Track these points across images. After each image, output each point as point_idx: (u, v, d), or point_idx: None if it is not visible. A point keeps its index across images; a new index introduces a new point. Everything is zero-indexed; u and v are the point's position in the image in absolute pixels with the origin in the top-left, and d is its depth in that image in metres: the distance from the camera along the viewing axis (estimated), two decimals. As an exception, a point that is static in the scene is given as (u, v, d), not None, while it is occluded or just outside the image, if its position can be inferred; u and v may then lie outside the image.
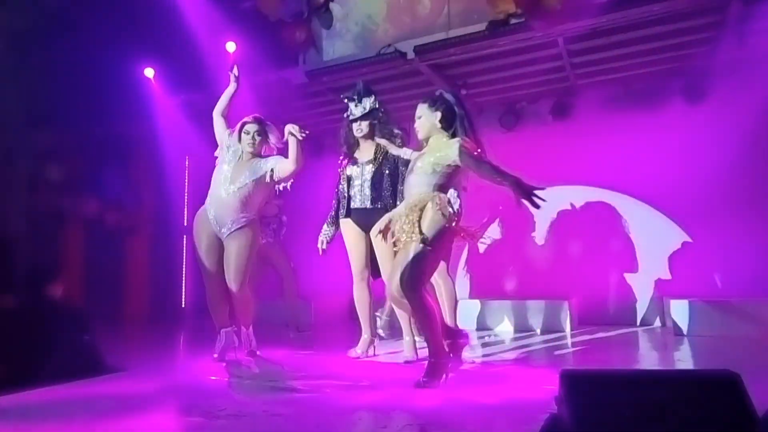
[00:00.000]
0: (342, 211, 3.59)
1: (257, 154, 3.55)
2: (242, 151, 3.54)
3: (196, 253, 3.56)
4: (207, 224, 3.48)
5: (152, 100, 6.10)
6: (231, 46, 5.64)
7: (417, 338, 3.53)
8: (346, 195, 3.56)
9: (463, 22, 5.23)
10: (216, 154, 3.66)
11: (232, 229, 3.42)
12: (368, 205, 3.48)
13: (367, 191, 3.46)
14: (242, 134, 3.54)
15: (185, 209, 7.30)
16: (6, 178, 6.71)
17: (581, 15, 4.44)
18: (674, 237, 5.40)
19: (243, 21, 5.65)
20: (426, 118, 2.85)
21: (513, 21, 4.74)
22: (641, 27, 4.54)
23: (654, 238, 5.47)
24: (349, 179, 3.56)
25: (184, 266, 7.23)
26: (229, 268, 3.39)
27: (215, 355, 3.61)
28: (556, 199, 5.54)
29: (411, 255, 2.61)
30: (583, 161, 5.66)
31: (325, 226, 3.65)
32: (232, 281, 3.38)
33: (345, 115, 3.57)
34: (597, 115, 5.72)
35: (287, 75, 5.71)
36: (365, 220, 3.47)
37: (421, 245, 2.61)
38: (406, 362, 3.34)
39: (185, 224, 7.26)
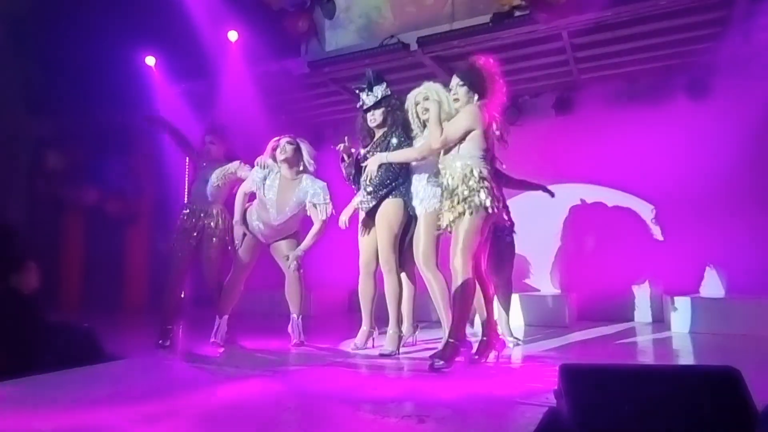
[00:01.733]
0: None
1: (294, 167, 3.75)
2: (280, 173, 3.74)
3: (230, 244, 3.88)
4: (251, 227, 3.82)
5: (153, 88, 6.07)
6: (233, 35, 5.63)
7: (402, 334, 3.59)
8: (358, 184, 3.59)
9: (468, 13, 5.20)
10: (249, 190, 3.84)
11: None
12: (373, 202, 3.48)
13: (377, 182, 3.42)
14: (277, 153, 3.74)
15: (185, 198, 7.28)
16: (5, 166, 6.69)
17: (586, 8, 4.42)
18: (676, 233, 5.39)
19: (245, 10, 5.63)
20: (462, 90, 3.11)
21: (517, 13, 4.72)
22: (646, 22, 4.51)
23: (656, 234, 5.47)
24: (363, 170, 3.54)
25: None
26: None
27: (213, 340, 3.77)
28: (558, 195, 5.52)
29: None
30: (585, 157, 5.64)
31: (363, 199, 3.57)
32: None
33: (358, 105, 3.56)
34: (600, 111, 5.70)
35: (289, 65, 5.69)
36: (373, 211, 3.50)
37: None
38: (381, 355, 3.36)
39: (185, 214, 7.25)
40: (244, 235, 3.84)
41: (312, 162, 3.78)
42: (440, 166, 3.17)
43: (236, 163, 3.97)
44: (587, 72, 5.53)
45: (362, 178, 3.49)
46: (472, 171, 2.96)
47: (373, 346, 3.64)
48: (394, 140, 3.41)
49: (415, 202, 3.43)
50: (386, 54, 5.19)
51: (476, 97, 3.09)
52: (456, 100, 3.15)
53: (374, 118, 3.47)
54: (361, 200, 3.56)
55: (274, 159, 3.77)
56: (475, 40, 4.87)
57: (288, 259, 3.74)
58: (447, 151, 3.11)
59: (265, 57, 5.62)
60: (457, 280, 2.87)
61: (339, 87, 5.87)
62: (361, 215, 3.61)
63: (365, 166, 3.44)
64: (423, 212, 3.40)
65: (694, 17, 4.46)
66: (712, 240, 5.15)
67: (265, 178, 3.75)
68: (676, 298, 4.61)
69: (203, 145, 4.12)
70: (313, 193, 3.71)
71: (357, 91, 3.54)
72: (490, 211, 2.90)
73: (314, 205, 3.71)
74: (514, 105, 5.95)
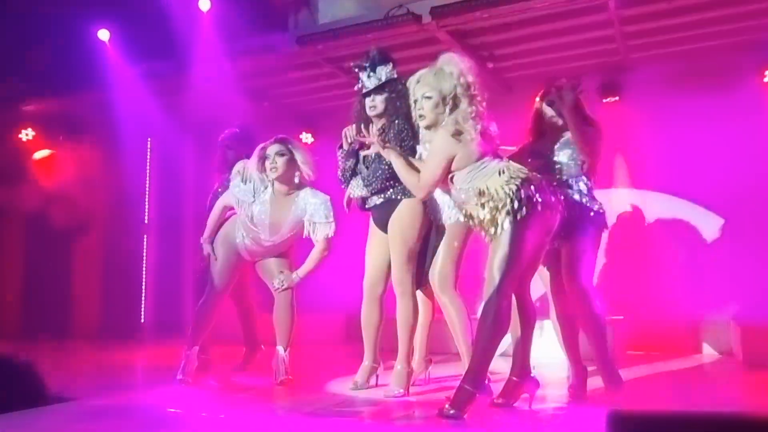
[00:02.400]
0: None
1: (289, 181, 3.79)
2: (272, 188, 3.81)
3: (210, 263, 3.94)
4: (234, 243, 3.87)
5: (107, 68, 6.09)
6: (205, 4, 5.65)
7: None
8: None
9: (493, -23, 5.21)
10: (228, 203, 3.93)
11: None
12: (380, 200, 3.47)
13: (377, 182, 3.40)
14: (265, 160, 3.77)
15: (146, 202, 7.31)
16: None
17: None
18: (747, 250, 5.37)
19: (220, -27, 5.66)
20: None
21: (553, -22, 4.74)
22: (711, -11, 4.54)
23: (722, 250, 5.45)
24: (357, 168, 3.54)
25: (144, 273, 7.23)
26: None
27: (180, 377, 3.75)
28: (599, 200, 5.52)
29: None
30: (635, 152, 5.64)
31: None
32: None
33: (356, 87, 3.54)
34: (653, 97, 5.68)
35: (274, 41, 5.71)
36: (381, 217, 3.49)
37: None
38: (387, 397, 3.37)
39: (146, 221, 7.27)
40: (208, 255, 3.93)
41: (310, 172, 3.79)
42: None
43: (239, 164, 3.95)
44: (638, 50, 5.53)
45: (363, 168, 3.47)
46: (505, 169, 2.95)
47: (376, 385, 3.63)
48: (392, 133, 3.36)
49: (443, 208, 3.40)
50: (393, 27, 5.19)
51: (447, 111, 3.06)
52: (421, 117, 3.14)
53: (374, 104, 3.43)
54: (360, 192, 3.52)
55: (262, 171, 3.79)
56: (502, 11, 4.88)
57: (277, 279, 3.79)
58: None
59: (244, 31, 5.63)
60: (490, 304, 2.82)
61: (335, 68, 5.87)
62: (371, 222, 3.60)
63: (366, 156, 3.43)
64: (446, 221, 3.40)
65: (770, -17, 4.48)
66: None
67: (252, 196, 3.78)
68: (748, 328, 4.59)
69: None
70: (313, 210, 3.75)
71: (356, 70, 3.50)
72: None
73: (314, 224, 3.75)
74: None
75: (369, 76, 3.44)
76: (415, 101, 3.15)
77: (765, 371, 4.30)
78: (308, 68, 5.97)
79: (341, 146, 3.61)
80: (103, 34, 5.99)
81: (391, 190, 3.40)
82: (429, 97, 3.07)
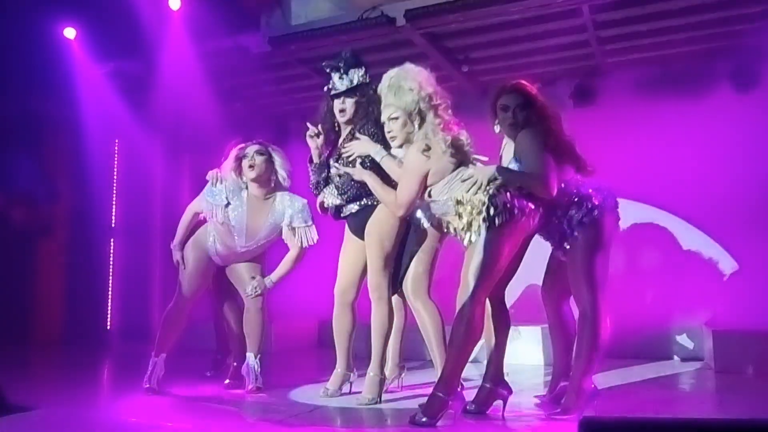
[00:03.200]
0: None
1: (265, 183, 3.78)
2: (248, 192, 3.78)
3: (182, 265, 3.87)
4: (204, 247, 3.84)
5: (73, 67, 6.02)
6: (175, 3, 5.60)
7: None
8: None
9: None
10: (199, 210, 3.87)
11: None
12: (355, 208, 3.45)
13: (352, 189, 3.38)
14: (242, 159, 3.75)
15: (113, 205, 7.23)
16: None
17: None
18: (717, 255, 5.48)
19: (191, -30, 5.61)
20: None
21: (529, -17, 4.78)
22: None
23: (692, 256, 5.55)
24: (329, 177, 3.50)
25: (110, 278, 7.15)
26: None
27: (147, 385, 3.72)
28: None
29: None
30: (607, 158, 5.63)
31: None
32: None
33: (326, 88, 3.54)
34: (627, 102, 5.77)
35: (245, 41, 5.68)
36: (357, 224, 3.48)
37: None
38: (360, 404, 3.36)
39: (113, 224, 7.19)
40: (178, 263, 3.89)
41: (287, 178, 3.81)
42: None
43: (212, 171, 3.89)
44: (612, 55, 5.61)
45: (336, 173, 3.43)
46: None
47: (350, 392, 3.63)
48: (363, 138, 3.34)
49: (420, 211, 3.40)
50: (367, 29, 5.20)
51: (416, 127, 3.12)
52: (392, 138, 3.18)
53: (344, 107, 3.44)
54: (334, 201, 3.49)
55: (238, 174, 3.77)
56: (477, 15, 4.91)
57: (249, 285, 3.78)
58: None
59: (215, 30, 5.58)
60: (463, 310, 2.83)
61: (308, 69, 5.87)
62: (347, 229, 3.60)
63: (344, 158, 3.38)
64: (424, 224, 3.42)
65: (742, -9, 4.57)
66: (763, 263, 5.24)
67: (226, 200, 3.75)
68: (719, 333, 4.67)
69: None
70: (292, 214, 3.76)
71: (328, 70, 3.50)
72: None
73: (293, 230, 3.74)
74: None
75: (341, 78, 3.44)
76: (383, 124, 3.20)
77: (737, 376, 4.38)
78: (281, 69, 5.97)
79: (311, 160, 3.58)
80: (69, 32, 5.90)
81: (366, 197, 3.39)
82: (396, 118, 3.14)
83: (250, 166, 3.72)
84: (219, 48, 5.64)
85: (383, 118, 3.21)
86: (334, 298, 3.61)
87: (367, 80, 3.45)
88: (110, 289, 7.16)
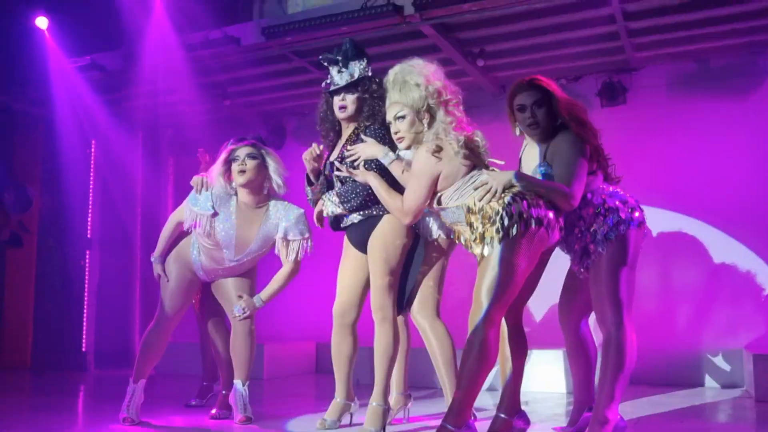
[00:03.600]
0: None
1: (257, 191, 3.72)
2: (237, 200, 3.73)
3: (161, 284, 3.86)
4: (188, 261, 3.81)
5: (46, 60, 6.02)
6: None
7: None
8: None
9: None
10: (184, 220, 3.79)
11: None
12: (358, 218, 3.40)
13: (357, 199, 3.32)
14: (232, 163, 3.68)
15: (89, 214, 7.21)
16: None
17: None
18: (756, 268, 5.44)
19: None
20: None
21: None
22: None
23: (732, 271, 5.50)
24: (331, 180, 3.46)
25: (85, 294, 7.12)
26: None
27: (124, 415, 3.68)
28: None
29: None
30: (637, 162, 5.66)
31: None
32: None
33: (324, 84, 3.52)
34: (659, 101, 5.76)
35: (236, 32, 5.67)
36: (359, 236, 3.42)
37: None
38: None
39: (89, 235, 7.17)
40: (159, 277, 3.85)
41: (282, 185, 3.71)
42: None
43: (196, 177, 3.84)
44: (645, 49, 5.57)
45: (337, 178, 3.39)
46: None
47: (350, 424, 3.59)
48: (369, 140, 3.31)
49: (431, 223, 3.40)
50: (371, 20, 5.19)
51: (426, 126, 3.10)
52: (399, 140, 3.16)
53: (344, 104, 3.39)
54: (334, 210, 3.41)
55: (227, 180, 3.72)
56: (494, 3, 4.89)
57: (237, 305, 3.74)
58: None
59: (203, 20, 5.59)
60: (476, 333, 2.79)
61: (306, 63, 5.86)
62: (346, 241, 3.56)
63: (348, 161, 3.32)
64: (435, 237, 3.41)
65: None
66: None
67: (213, 209, 3.68)
68: (760, 357, 4.61)
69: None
70: (286, 226, 3.69)
71: (325, 64, 3.46)
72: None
73: (287, 243, 3.70)
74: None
75: (340, 71, 3.41)
76: (389, 124, 3.17)
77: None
78: (275, 63, 5.95)
79: (309, 180, 3.52)
80: (42, 22, 5.91)
81: (373, 207, 3.33)
82: (402, 117, 3.10)
83: (241, 171, 3.64)
84: (207, 39, 5.62)
85: (388, 117, 3.16)
86: (333, 319, 3.55)
87: (370, 73, 3.42)
88: (85, 306, 7.09)
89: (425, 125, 3.08)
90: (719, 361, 5.39)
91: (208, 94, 6.11)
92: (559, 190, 2.85)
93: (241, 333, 3.77)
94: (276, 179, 3.70)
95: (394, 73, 3.15)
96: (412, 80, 3.07)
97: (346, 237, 3.56)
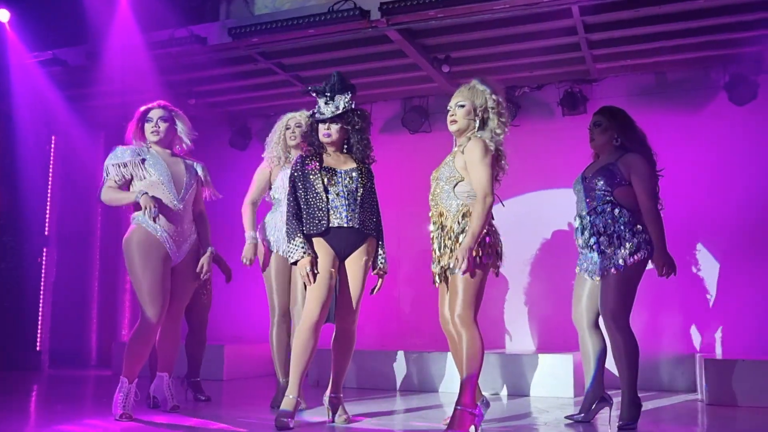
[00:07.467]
0: (319, 225, 3.61)
1: (169, 146, 3.98)
2: (156, 152, 3.90)
3: (144, 275, 3.77)
4: (159, 245, 3.79)
5: (6, 53, 5.94)
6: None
7: None
8: (325, 207, 3.61)
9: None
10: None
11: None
12: (355, 224, 3.63)
13: (356, 210, 3.63)
14: (145, 123, 3.90)
15: (47, 210, 7.05)
16: None
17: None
18: (713, 276, 5.52)
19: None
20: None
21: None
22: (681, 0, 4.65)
23: (685, 276, 5.57)
24: (326, 189, 3.63)
25: (41, 292, 6.96)
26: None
27: (120, 411, 3.70)
28: (558, 216, 5.62)
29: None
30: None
31: (291, 242, 3.60)
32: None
33: (311, 112, 3.80)
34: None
35: (202, 32, 5.61)
36: (343, 241, 3.63)
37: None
38: None
39: (46, 232, 7.02)
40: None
41: (188, 141, 4.03)
42: (431, 203, 3.51)
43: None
44: (604, 60, 5.65)
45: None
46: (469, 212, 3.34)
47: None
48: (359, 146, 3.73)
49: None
50: (338, 23, 5.16)
51: (477, 123, 3.45)
52: (453, 122, 3.50)
53: (329, 132, 3.69)
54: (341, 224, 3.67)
55: (140, 138, 3.91)
56: (458, 11, 4.90)
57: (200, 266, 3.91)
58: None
59: (169, 19, 5.52)
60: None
61: (271, 64, 5.81)
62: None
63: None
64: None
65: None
66: (762, 285, 5.30)
67: (139, 156, 3.84)
68: (712, 361, 4.68)
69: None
70: (202, 168, 4.05)
71: (313, 94, 3.73)
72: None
73: (208, 182, 4.06)
74: (510, 99, 6.01)
75: (327, 103, 3.68)
76: (449, 109, 3.52)
77: (736, 410, 4.40)
78: (241, 63, 5.90)
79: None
80: (2, 15, 5.80)
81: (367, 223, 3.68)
82: (462, 105, 3.47)
83: (154, 132, 3.87)
84: (173, 37, 5.56)
85: (450, 104, 3.51)
86: (303, 317, 3.58)
87: (353, 106, 3.70)
88: (41, 305, 6.96)
89: (476, 123, 3.43)
90: (673, 366, 5.48)
91: (172, 93, 6.02)
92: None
93: (171, 329, 3.95)
94: (185, 138, 4.02)
95: (472, 82, 3.54)
96: (480, 87, 3.49)
97: (318, 243, 3.64)
